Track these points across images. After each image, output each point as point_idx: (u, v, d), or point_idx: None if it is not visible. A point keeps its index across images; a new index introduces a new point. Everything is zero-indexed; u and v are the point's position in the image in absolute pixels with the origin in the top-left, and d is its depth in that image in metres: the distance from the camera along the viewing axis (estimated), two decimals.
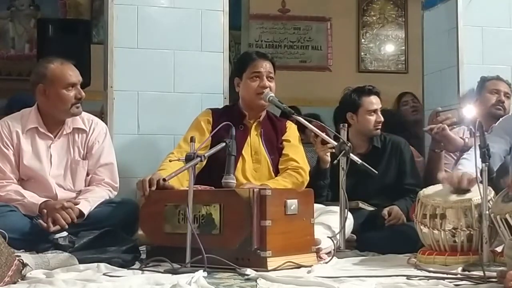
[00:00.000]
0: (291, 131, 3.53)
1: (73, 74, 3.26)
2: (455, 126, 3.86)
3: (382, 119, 3.76)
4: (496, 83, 4.10)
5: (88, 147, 3.33)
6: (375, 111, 3.76)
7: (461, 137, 3.79)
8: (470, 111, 3.98)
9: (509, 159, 3.25)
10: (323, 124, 3.45)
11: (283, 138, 3.49)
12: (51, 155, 3.26)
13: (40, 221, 2.99)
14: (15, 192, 3.15)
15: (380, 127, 3.77)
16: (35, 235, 2.97)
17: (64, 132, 3.30)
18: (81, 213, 3.08)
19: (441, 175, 3.02)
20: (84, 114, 3.36)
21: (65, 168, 3.28)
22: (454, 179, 2.87)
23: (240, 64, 3.54)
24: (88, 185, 3.31)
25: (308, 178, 3.41)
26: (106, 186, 3.30)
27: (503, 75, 4.18)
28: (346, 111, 3.80)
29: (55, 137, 3.29)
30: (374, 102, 3.76)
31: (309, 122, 3.35)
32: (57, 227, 2.97)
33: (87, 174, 3.32)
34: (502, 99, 4.04)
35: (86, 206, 3.11)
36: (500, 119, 3.48)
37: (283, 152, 3.45)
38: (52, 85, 3.22)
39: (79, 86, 3.27)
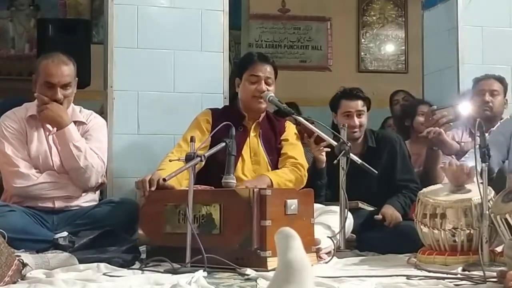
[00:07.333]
0: (289, 130, 3.52)
1: (56, 75, 3.22)
2: (451, 124, 3.86)
3: (357, 123, 3.67)
4: (481, 84, 4.06)
5: (85, 134, 3.36)
6: (349, 114, 3.68)
7: (457, 142, 3.80)
8: (466, 108, 3.97)
9: (507, 164, 3.25)
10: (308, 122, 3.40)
11: (281, 138, 3.48)
12: (51, 145, 3.28)
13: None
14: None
15: (356, 131, 3.67)
16: (35, 235, 2.98)
17: None
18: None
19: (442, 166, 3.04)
20: (83, 110, 3.42)
21: None
22: (454, 167, 2.89)
23: (241, 65, 3.53)
24: None
25: (306, 175, 3.41)
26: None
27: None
28: (332, 110, 3.80)
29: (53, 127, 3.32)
30: (351, 105, 3.69)
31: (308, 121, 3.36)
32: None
33: None
34: (485, 100, 3.98)
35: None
36: (499, 122, 3.48)
37: (282, 151, 3.45)
38: (39, 77, 3.27)
39: (59, 88, 3.23)
